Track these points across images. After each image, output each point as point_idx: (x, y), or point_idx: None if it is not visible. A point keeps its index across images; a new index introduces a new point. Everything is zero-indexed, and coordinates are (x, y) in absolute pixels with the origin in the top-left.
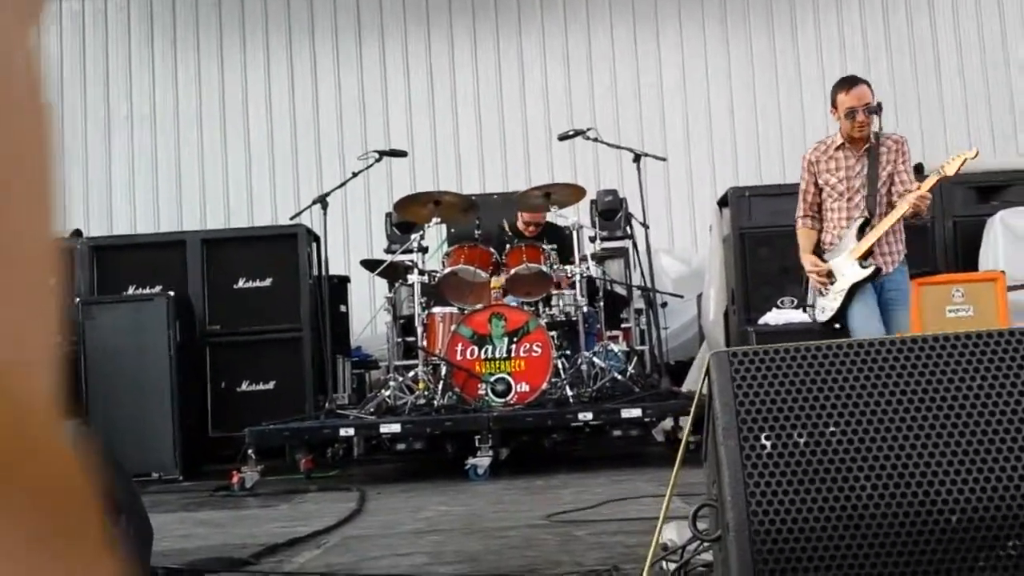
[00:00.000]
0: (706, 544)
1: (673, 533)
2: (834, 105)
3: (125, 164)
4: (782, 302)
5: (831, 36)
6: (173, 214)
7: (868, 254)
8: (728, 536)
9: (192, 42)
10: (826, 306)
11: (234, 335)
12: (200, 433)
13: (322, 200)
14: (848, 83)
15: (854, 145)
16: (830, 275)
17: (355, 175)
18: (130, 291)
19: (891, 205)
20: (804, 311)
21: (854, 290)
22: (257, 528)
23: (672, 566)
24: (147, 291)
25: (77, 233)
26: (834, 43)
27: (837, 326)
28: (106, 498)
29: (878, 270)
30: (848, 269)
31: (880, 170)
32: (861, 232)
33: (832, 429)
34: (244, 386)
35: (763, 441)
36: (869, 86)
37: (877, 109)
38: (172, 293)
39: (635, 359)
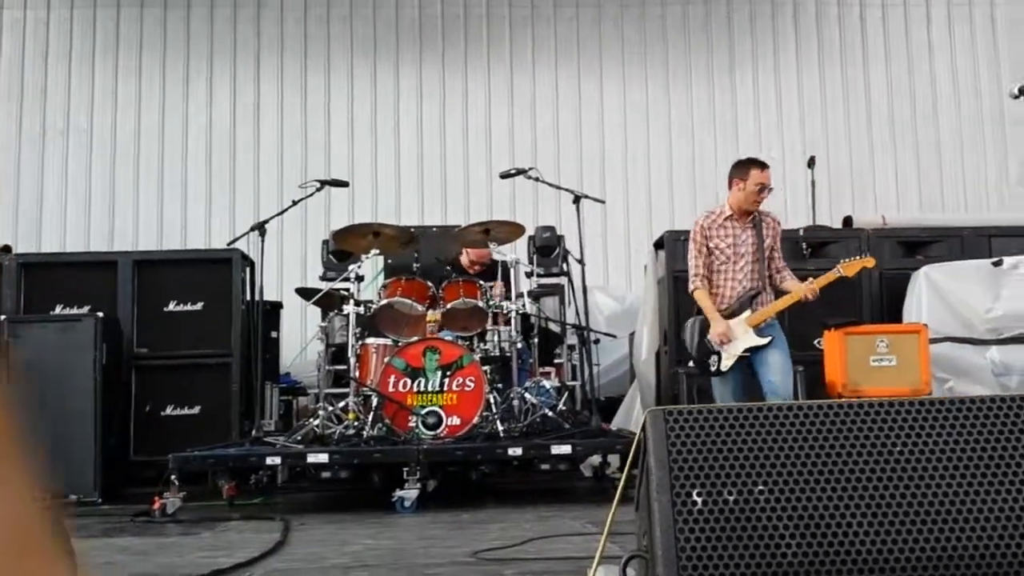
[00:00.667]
0: None
1: None
2: (741, 179)
3: (59, 180)
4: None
5: (768, 86)
6: (105, 234)
7: (760, 324)
8: None
9: (135, 59)
10: (718, 362)
11: (162, 358)
12: (122, 456)
13: (260, 227)
14: (761, 164)
15: (742, 217)
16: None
17: (295, 203)
18: (58, 310)
19: (771, 276)
20: (692, 362)
21: (746, 352)
22: (179, 558)
23: None
24: (75, 311)
25: (6, 249)
26: (770, 93)
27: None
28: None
29: (771, 340)
30: (742, 334)
31: (764, 242)
32: (751, 301)
33: (760, 488)
34: (169, 410)
35: (695, 497)
36: None
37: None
38: (100, 314)
39: (566, 395)
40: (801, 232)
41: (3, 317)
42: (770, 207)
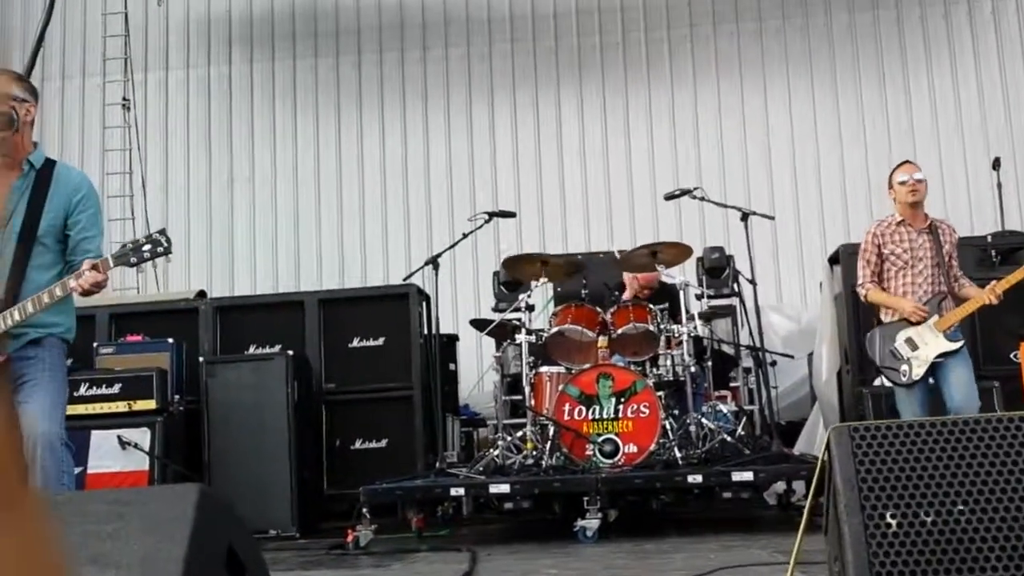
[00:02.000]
0: None
1: None
2: (889, 186)
3: (247, 225)
4: None
5: (945, 87)
6: (291, 274)
7: (949, 327)
8: None
9: (311, 107)
10: (909, 371)
11: (349, 393)
12: (316, 490)
13: (434, 261)
14: (900, 163)
15: (915, 222)
16: (910, 341)
17: (465, 236)
18: (251, 350)
19: (949, 285)
20: (879, 372)
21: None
22: None
23: None
24: (267, 350)
25: (201, 294)
26: (948, 95)
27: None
28: (230, 556)
29: (961, 346)
30: (931, 339)
31: (942, 247)
32: (938, 305)
33: (961, 507)
34: (358, 444)
35: (888, 519)
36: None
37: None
38: (291, 352)
39: (744, 420)
40: (989, 239)
41: (201, 359)
42: (954, 213)
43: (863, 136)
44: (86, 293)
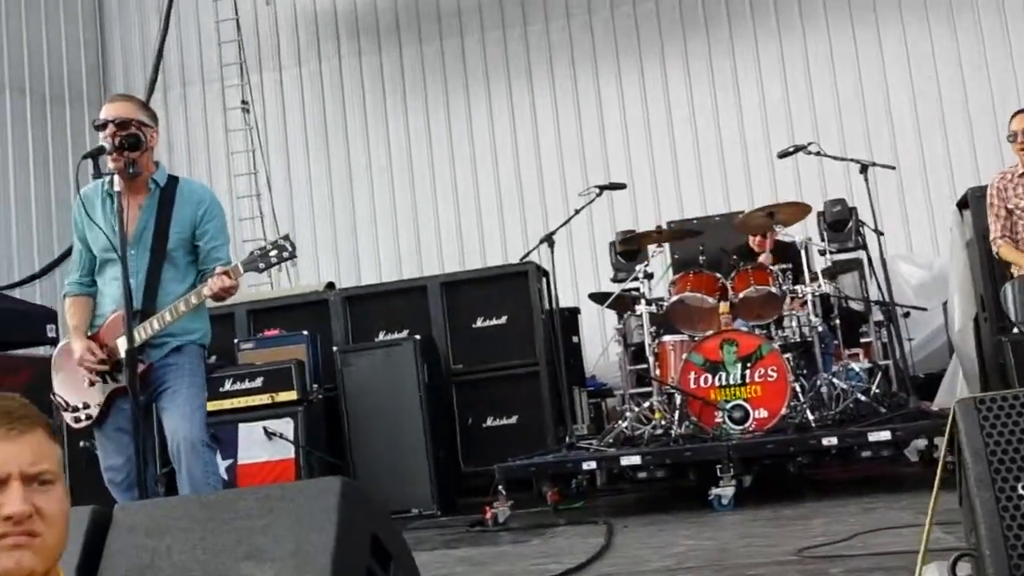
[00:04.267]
0: None
1: (934, 574)
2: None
3: (368, 215)
4: None
5: None
6: (414, 260)
7: None
8: None
9: (420, 92)
10: None
11: (476, 372)
12: (453, 469)
13: (549, 239)
14: (1014, 113)
15: None
16: None
17: (578, 211)
18: (380, 336)
19: None
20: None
21: None
22: (513, 566)
23: None
24: (395, 336)
25: (330, 285)
26: None
27: None
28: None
29: None
30: None
31: None
32: None
33: None
34: (489, 421)
35: (1020, 491)
36: None
37: None
38: (418, 336)
39: (879, 376)
40: None
41: (335, 348)
42: None
43: (985, 70)
44: (218, 298)
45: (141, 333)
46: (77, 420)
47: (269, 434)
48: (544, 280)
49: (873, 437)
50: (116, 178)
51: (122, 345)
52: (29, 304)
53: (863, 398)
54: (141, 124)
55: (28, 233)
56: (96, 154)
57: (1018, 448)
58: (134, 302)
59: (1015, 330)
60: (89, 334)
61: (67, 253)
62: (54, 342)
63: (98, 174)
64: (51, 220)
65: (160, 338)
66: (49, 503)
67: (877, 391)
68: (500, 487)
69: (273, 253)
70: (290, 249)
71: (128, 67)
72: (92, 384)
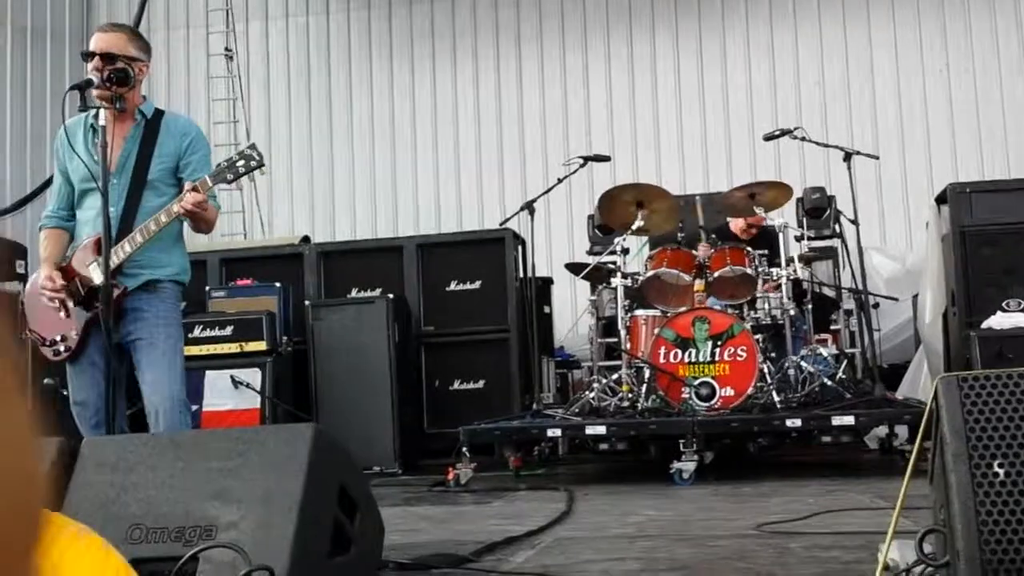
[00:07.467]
0: (931, 568)
1: (895, 553)
2: None
3: (346, 172)
4: (1008, 304)
5: None
6: (389, 220)
7: None
8: (958, 564)
9: (407, 53)
10: None
11: (446, 335)
12: (417, 429)
13: (529, 206)
14: None
15: None
16: None
17: (560, 180)
18: (353, 293)
19: None
20: None
21: None
22: (474, 525)
23: None
24: (368, 293)
25: (305, 239)
26: None
27: None
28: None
29: None
30: None
31: None
32: None
33: None
34: (456, 384)
35: (995, 469)
36: None
37: None
38: (391, 295)
39: (845, 363)
40: None
41: (307, 302)
42: None
43: (972, 69)
44: (192, 217)
45: (115, 256)
46: (56, 353)
47: (236, 383)
48: (520, 248)
49: (837, 421)
50: (102, 111)
51: (95, 273)
52: None
53: (829, 383)
54: (131, 59)
55: (1, 167)
56: (83, 87)
57: (996, 427)
58: (112, 231)
59: (984, 323)
60: (63, 265)
61: (40, 189)
62: (23, 278)
63: (84, 107)
64: (25, 155)
65: (133, 268)
66: None
67: (843, 377)
68: (464, 449)
69: (240, 164)
70: (257, 158)
71: (113, 4)
72: (68, 315)
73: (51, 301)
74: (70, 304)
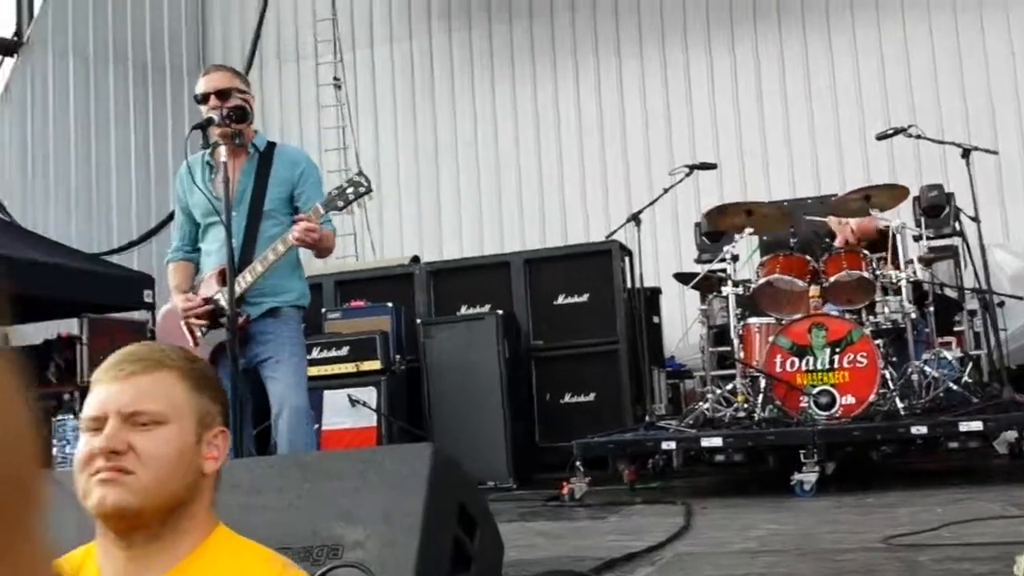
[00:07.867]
0: None
1: None
2: None
3: (452, 191)
4: None
5: None
6: (495, 237)
7: None
8: None
9: (507, 70)
10: None
11: (556, 349)
12: (530, 443)
13: (635, 217)
14: None
15: None
16: None
17: (666, 191)
18: (462, 310)
19: None
20: None
21: None
22: (591, 540)
23: None
24: (478, 310)
25: (415, 259)
26: None
27: None
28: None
29: None
30: None
31: None
32: None
33: None
34: (567, 398)
35: None
36: None
37: None
38: (500, 311)
39: (971, 366)
40: None
41: (418, 321)
42: None
43: None
44: (309, 246)
45: (238, 286)
46: None
47: (353, 402)
48: (627, 259)
49: (964, 427)
50: (221, 148)
51: (221, 298)
52: (127, 269)
53: (954, 387)
54: (242, 93)
55: (127, 201)
56: (204, 125)
57: None
58: (235, 262)
59: None
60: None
61: (165, 222)
62: (150, 307)
63: (206, 144)
64: (150, 188)
65: (255, 296)
66: (146, 443)
67: (969, 380)
68: (577, 463)
69: (350, 191)
70: (365, 185)
71: (228, 41)
72: (196, 343)
73: (188, 321)
74: (198, 333)
